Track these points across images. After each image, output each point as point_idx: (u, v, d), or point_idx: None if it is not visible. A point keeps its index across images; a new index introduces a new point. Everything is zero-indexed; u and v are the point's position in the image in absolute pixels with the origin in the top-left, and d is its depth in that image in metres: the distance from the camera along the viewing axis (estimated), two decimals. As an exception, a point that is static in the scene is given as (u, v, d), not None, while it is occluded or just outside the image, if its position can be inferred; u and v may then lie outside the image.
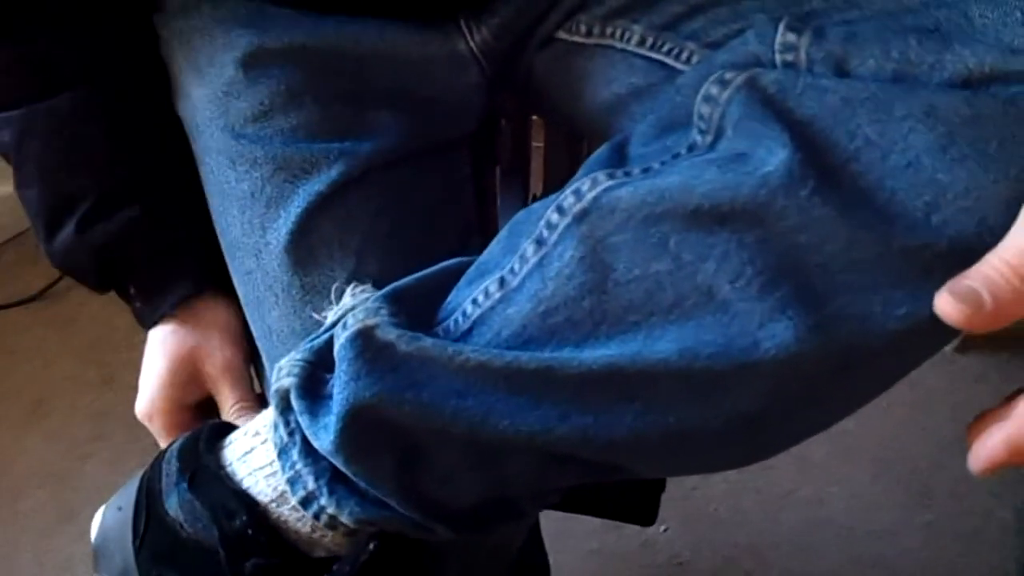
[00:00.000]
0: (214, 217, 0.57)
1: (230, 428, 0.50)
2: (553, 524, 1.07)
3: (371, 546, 0.45)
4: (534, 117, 0.78)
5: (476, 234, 0.60)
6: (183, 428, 0.55)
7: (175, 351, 0.56)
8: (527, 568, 0.76)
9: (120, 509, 0.48)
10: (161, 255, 0.57)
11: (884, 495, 1.18)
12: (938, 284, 0.34)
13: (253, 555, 0.44)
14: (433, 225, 0.56)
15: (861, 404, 0.40)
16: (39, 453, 1.22)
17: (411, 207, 0.55)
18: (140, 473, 0.49)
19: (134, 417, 0.57)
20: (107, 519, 0.49)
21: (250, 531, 0.44)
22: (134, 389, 0.57)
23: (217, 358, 0.57)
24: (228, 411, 0.56)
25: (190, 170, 0.58)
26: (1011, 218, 0.33)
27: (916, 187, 0.34)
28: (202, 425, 0.50)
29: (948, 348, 1.31)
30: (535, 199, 0.81)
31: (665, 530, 1.14)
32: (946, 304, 0.32)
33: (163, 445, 0.55)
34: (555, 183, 0.83)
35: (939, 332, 0.36)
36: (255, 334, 0.56)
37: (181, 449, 0.47)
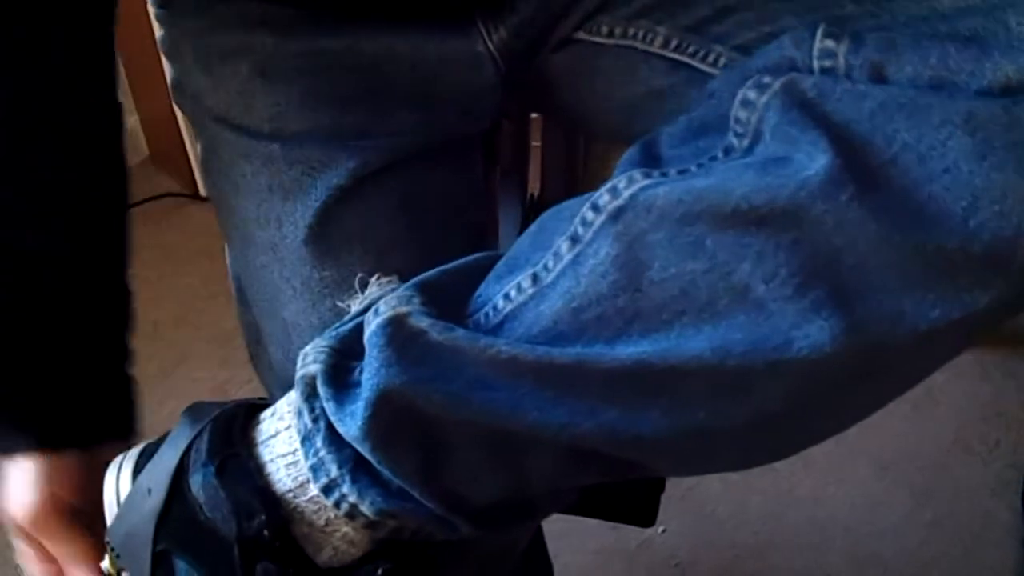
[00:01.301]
0: (222, 214, 0.57)
1: (264, 406, 0.49)
2: (553, 524, 1.07)
3: (380, 571, 0.44)
4: (533, 116, 0.78)
5: (488, 231, 0.60)
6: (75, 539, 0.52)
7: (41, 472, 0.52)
8: (531, 569, 0.76)
9: (150, 474, 0.47)
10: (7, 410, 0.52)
11: (885, 495, 1.17)
12: (970, 288, 0.35)
13: (265, 558, 0.43)
14: (451, 221, 0.56)
15: (883, 404, 0.41)
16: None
17: (429, 202, 0.55)
18: (179, 443, 0.47)
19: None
20: (140, 485, 0.48)
21: (266, 532, 0.43)
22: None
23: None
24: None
25: (60, 316, 0.54)
26: None
27: (953, 191, 0.34)
28: (239, 403, 0.48)
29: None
30: (532, 199, 0.82)
31: (663, 531, 1.13)
32: None
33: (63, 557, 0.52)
34: (552, 183, 0.84)
35: (964, 335, 0.37)
36: (265, 330, 0.56)
37: (215, 426, 0.46)
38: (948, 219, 0.34)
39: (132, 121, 1.73)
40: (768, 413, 0.38)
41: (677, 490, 1.17)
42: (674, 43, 0.53)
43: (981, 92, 0.36)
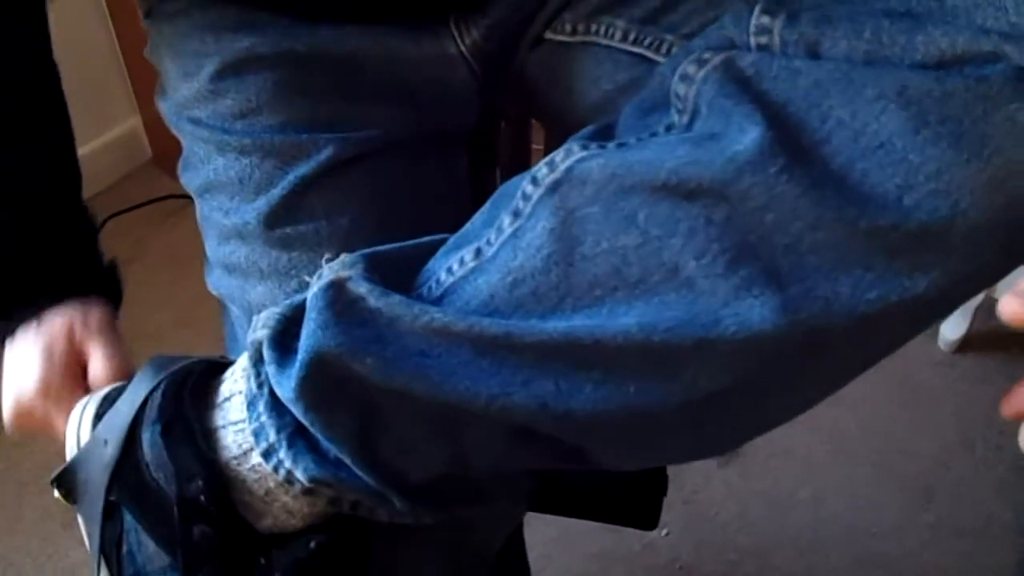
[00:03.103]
0: (200, 205, 0.58)
1: (225, 366, 0.49)
2: (553, 527, 1.07)
3: (312, 544, 0.45)
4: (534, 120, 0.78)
5: None
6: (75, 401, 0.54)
7: (47, 331, 0.56)
8: (507, 572, 0.76)
9: (110, 421, 0.48)
10: (27, 266, 0.57)
11: (886, 496, 1.17)
12: (910, 268, 0.34)
13: (202, 522, 0.44)
14: (425, 217, 0.56)
15: (834, 389, 0.40)
16: (43, 457, 1.22)
17: (403, 197, 0.56)
18: (136, 397, 0.48)
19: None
20: (99, 432, 0.49)
21: (203, 498, 0.44)
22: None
23: (92, 320, 0.57)
24: (99, 366, 0.56)
25: (62, 177, 0.58)
26: (985, 199, 0.33)
27: (887, 168, 0.34)
28: (196, 360, 0.49)
29: (947, 350, 1.31)
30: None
31: (666, 534, 1.13)
32: (1010, 304, 0.32)
33: (60, 428, 0.54)
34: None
35: (909, 321, 0.36)
36: (236, 320, 0.56)
37: (169, 384, 0.47)
38: (882, 197, 0.34)
39: (135, 123, 1.73)
40: (704, 393, 0.37)
41: (679, 493, 1.17)
42: (632, 36, 0.54)
43: (915, 66, 0.35)
